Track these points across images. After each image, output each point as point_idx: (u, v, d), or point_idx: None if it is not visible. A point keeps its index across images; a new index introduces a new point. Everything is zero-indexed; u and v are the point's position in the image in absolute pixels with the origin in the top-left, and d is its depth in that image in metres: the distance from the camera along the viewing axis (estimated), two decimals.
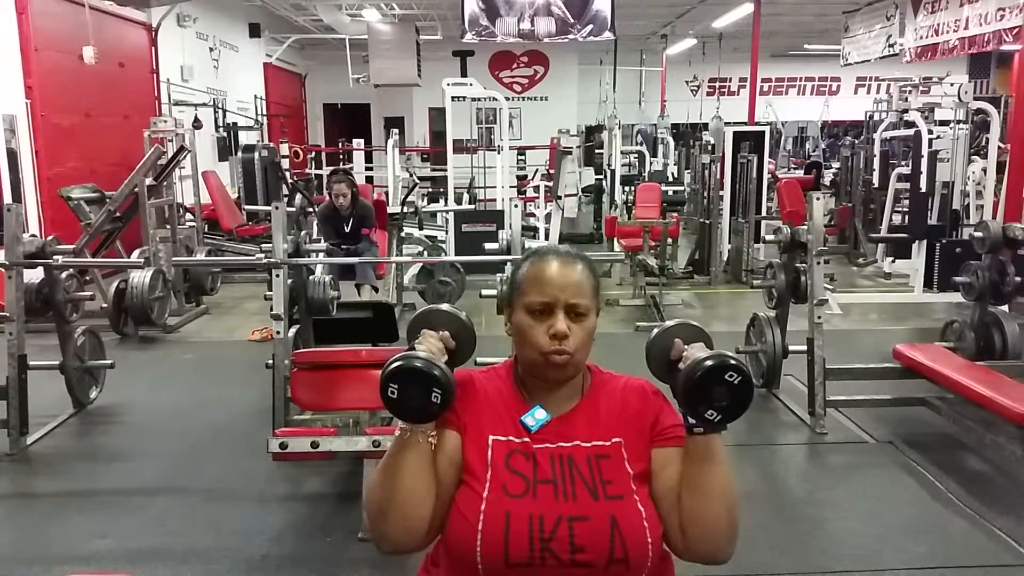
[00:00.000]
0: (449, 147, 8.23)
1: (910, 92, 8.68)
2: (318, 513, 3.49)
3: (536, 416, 1.40)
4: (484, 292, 4.42)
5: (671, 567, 1.41)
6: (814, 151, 18.91)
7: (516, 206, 3.94)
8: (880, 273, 8.86)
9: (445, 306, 1.54)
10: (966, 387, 3.83)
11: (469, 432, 1.39)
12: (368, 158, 14.94)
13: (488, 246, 4.34)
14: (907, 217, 7.68)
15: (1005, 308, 5.00)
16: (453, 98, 8.41)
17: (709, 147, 9.60)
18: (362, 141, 14.09)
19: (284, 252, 4.18)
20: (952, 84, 7.94)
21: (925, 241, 7.15)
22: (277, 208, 4.23)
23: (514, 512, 1.30)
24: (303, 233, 4.63)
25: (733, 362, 1.31)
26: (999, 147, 8.08)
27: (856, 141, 10.23)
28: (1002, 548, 3.17)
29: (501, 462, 1.35)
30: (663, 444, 1.40)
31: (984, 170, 8.13)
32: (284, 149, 11.22)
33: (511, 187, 8.74)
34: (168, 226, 6.80)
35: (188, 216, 8.56)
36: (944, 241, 6.95)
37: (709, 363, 1.30)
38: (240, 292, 8.11)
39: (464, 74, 13.66)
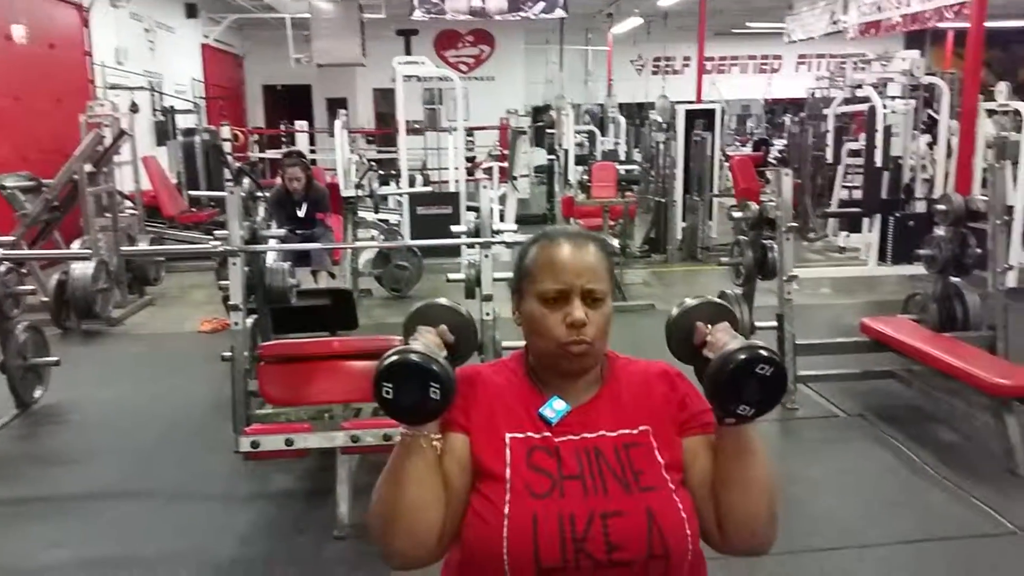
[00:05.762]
0: (402, 128, 8.02)
1: (863, 68, 8.76)
2: (288, 511, 3.35)
3: (555, 407, 1.30)
4: (451, 276, 4.27)
5: (704, 562, 1.33)
6: (757, 129, 19.15)
7: (485, 187, 3.81)
8: (830, 247, 8.97)
9: (443, 300, 1.42)
10: (939, 359, 3.85)
11: (481, 432, 1.28)
12: (312, 140, 14.59)
13: (455, 229, 4.20)
14: (861, 192, 7.76)
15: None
16: (405, 77, 8.18)
17: (664, 126, 9.57)
18: (305, 123, 13.73)
19: (240, 239, 3.99)
20: (903, 59, 8.03)
21: (879, 215, 7.24)
22: (232, 193, 4.02)
23: (542, 513, 1.19)
24: (259, 219, 4.42)
25: (765, 353, 1.21)
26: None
27: (805, 117, 10.31)
28: (982, 518, 3.19)
29: (522, 461, 1.25)
30: (693, 432, 1.31)
31: (929, 145, 8.26)
32: (226, 132, 10.84)
33: (466, 168, 8.56)
34: (108, 214, 6.49)
35: (127, 204, 8.21)
36: (898, 215, 7.04)
37: (740, 357, 1.20)
38: (185, 281, 7.83)
39: (408, 53, 13.39)
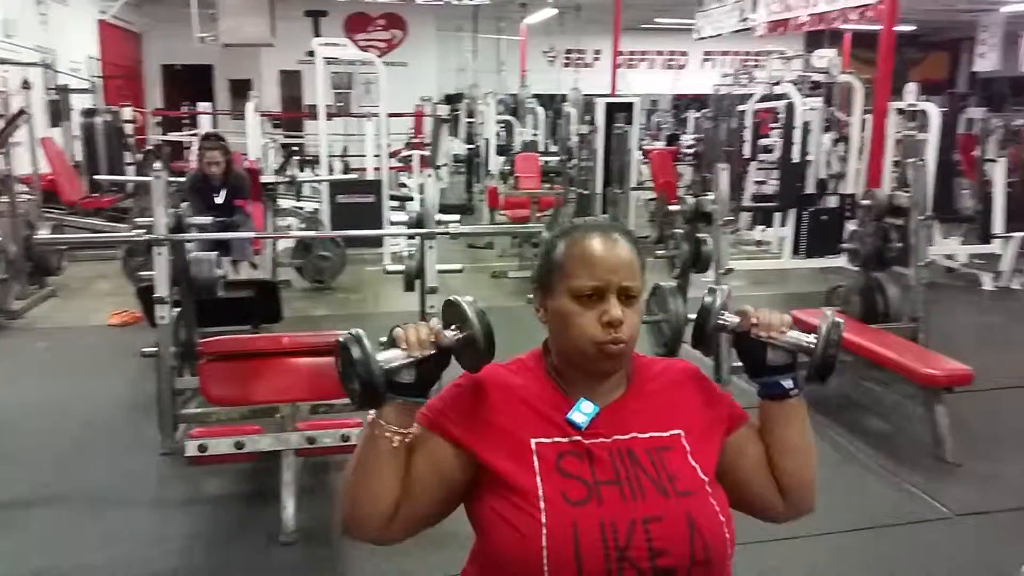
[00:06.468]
0: (321, 113, 7.74)
1: (763, 66, 9.00)
2: (227, 516, 3.18)
3: (583, 410, 1.24)
4: (389, 268, 4.16)
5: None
6: (664, 124, 19.49)
7: (429, 175, 3.70)
8: (743, 241, 9.22)
9: (468, 299, 1.23)
10: (872, 351, 3.97)
11: (499, 440, 1.22)
12: (215, 123, 13.98)
13: (395, 218, 4.08)
14: (778, 187, 7.97)
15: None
16: (326, 59, 7.88)
17: (587, 119, 9.61)
18: (209, 105, 13.16)
19: (165, 227, 3.75)
20: (821, 57, 8.30)
21: (792, 210, 7.46)
22: (158, 178, 3.78)
23: (582, 522, 1.14)
24: (184, 205, 4.18)
25: (838, 321, 1.30)
26: (840, 121, 8.54)
27: (717, 113, 10.55)
28: (918, 504, 3.32)
29: (551, 467, 1.19)
30: (737, 427, 1.33)
31: (835, 142, 8.57)
32: (127, 113, 10.27)
33: (389, 155, 8.33)
34: (6, 199, 6.03)
35: (23, 188, 7.67)
36: (811, 210, 7.27)
37: (837, 336, 1.29)
38: (88, 271, 7.37)
39: (318, 35, 12.97)
